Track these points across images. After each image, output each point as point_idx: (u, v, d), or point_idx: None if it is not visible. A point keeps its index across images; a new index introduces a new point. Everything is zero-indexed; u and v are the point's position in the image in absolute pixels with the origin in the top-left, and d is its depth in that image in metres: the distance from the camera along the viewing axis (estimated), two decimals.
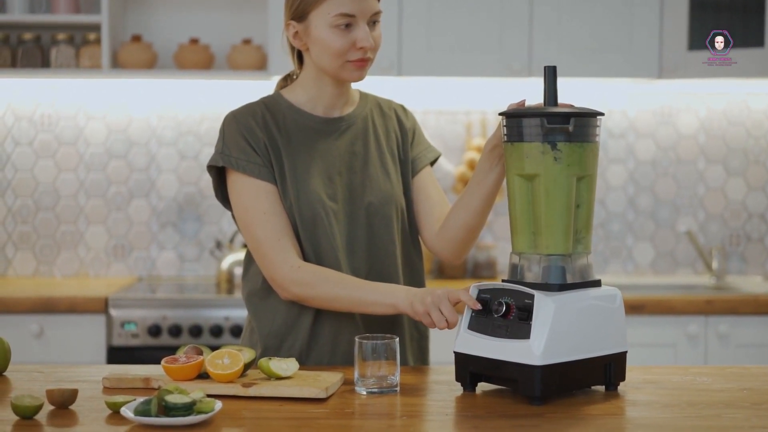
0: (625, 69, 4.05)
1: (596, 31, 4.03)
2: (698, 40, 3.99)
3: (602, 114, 1.99)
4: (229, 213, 4.31)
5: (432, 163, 2.43)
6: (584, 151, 1.95)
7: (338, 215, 2.26)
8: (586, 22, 4.03)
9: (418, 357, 2.39)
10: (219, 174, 2.29)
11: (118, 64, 4.14)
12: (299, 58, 2.33)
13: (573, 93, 4.36)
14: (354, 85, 2.36)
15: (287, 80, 2.38)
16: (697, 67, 4.00)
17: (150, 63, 4.14)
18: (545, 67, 2.01)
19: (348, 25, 2.18)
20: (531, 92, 4.30)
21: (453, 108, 4.39)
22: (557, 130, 1.93)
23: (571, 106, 2.00)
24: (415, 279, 2.38)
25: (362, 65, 2.22)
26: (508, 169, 2.01)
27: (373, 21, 2.21)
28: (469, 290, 2.02)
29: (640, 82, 4.20)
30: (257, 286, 2.30)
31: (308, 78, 2.30)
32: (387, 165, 2.34)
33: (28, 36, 4.14)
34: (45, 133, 4.33)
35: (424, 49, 4.00)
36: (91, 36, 4.13)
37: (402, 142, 2.39)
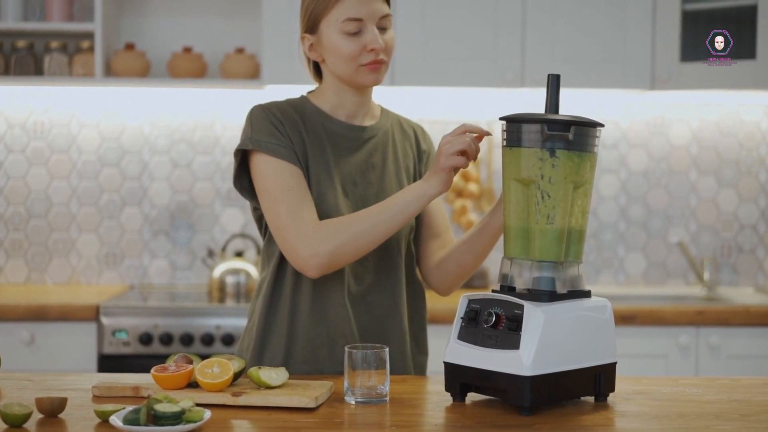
0: (617, 80, 4.06)
1: (589, 42, 4.04)
2: (690, 51, 4.01)
3: (602, 125, 2.00)
4: (222, 221, 4.33)
5: None
6: (582, 160, 1.95)
7: None
8: (579, 33, 4.04)
9: (419, 374, 2.40)
10: (241, 163, 2.28)
11: (111, 72, 4.14)
12: (317, 70, 2.36)
13: (565, 103, 4.36)
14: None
15: (313, 92, 2.39)
16: (690, 79, 4.01)
17: (143, 71, 4.14)
18: (549, 75, 2.02)
19: (357, 30, 2.21)
20: (524, 102, 4.32)
21: (446, 118, 4.39)
22: (557, 137, 1.93)
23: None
24: (417, 296, 2.39)
25: (376, 68, 2.24)
26: (504, 173, 2.01)
27: (382, 25, 2.24)
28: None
29: (633, 93, 4.21)
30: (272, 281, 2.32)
31: (328, 88, 2.33)
32: (402, 181, 2.36)
33: (21, 43, 4.14)
34: (38, 140, 4.33)
35: (418, 59, 4.01)
36: (85, 44, 4.13)
37: (417, 162, 2.42)
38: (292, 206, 2.18)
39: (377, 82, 2.27)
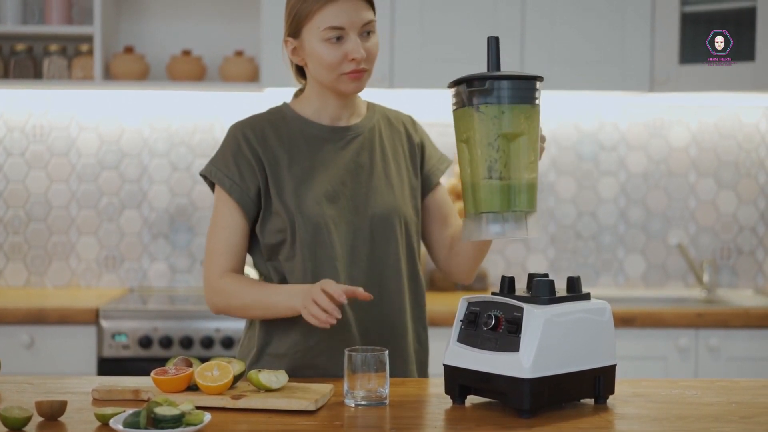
0: (616, 82, 4.06)
1: (588, 45, 4.04)
2: (690, 53, 4.01)
3: (538, 78, 2.02)
4: None
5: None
6: (512, 112, 1.98)
7: (339, 226, 2.27)
8: (577, 35, 4.04)
9: (421, 370, 2.40)
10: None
11: (110, 75, 4.14)
12: (302, 73, 2.36)
13: (565, 105, 4.37)
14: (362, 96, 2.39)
15: (299, 95, 2.40)
16: (689, 81, 4.01)
17: (142, 74, 4.14)
18: (488, 38, 2.06)
19: (339, 38, 2.20)
20: None
21: (445, 120, 4.38)
22: (476, 93, 1.98)
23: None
24: (418, 291, 2.39)
25: (357, 76, 2.24)
26: (456, 137, 2.07)
27: (366, 31, 2.23)
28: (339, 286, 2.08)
29: (632, 95, 4.21)
30: None
31: (312, 92, 2.33)
32: (392, 177, 2.35)
33: (20, 47, 4.14)
34: (37, 143, 4.33)
35: (417, 61, 4.01)
36: (84, 47, 4.13)
37: (411, 156, 2.41)
38: (218, 246, 2.29)
39: (359, 90, 2.28)
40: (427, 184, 2.42)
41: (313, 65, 2.26)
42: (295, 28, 2.25)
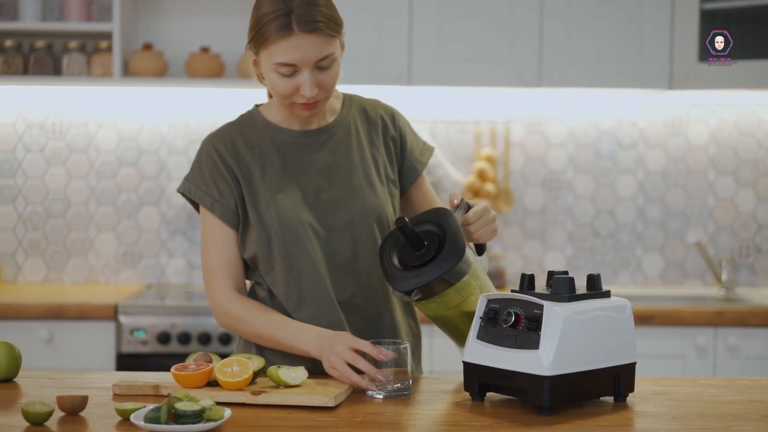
0: (635, 80, 4.05)
1: (607, 42, 4.03)
2: (709, 51, 3.99)
3: (456, 260, 2.05)
4: None
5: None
6: (443, 298, 2.08)
7: (319, 231, 2.23)
8: (596, 32, 4.03)
9: (418, 362, 2.39)
10: None
11: (129, 72, 4.15)
12: None
13: (583, 102, 4.36)
14: (339, 88, 2.33)
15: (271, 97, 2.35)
16: (708, 78, 4.00)
17: (161, 71, 4.15)
18: (396, 224, 2.08)
19: (291, 74, 2.14)
20: (540, 102, 4.33)
21: (462, 117, 4.39)
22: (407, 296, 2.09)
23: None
24: None
25: (310, 107, 2.19)
26: None
27: (322, 66, 2.14)
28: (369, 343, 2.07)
29: (651, 93, 4.20)
30: (260, 295, 2.31)
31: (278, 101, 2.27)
32: (371, 175, 2.29)
33: (40, 44, 4.16)
34: (56, 140, 4.35)
35: (435, 59, 4.01)
36: (103, 44, 4.15)
37: (386, 150, 2.34)
38: (216, 262, 2.25)
39: (312, 116, 2.23)
40: (410, 177, 2.36)
41: (269, 86, 2.21)
42: (254, 46, 2.17)
